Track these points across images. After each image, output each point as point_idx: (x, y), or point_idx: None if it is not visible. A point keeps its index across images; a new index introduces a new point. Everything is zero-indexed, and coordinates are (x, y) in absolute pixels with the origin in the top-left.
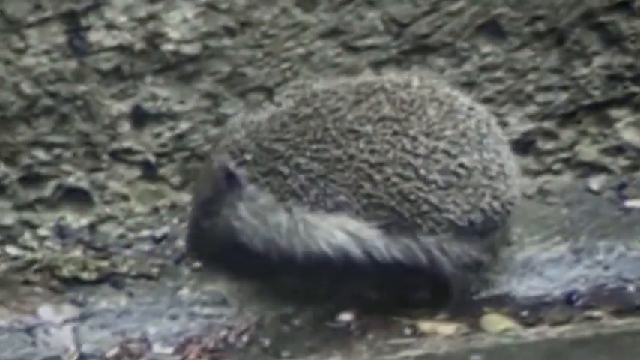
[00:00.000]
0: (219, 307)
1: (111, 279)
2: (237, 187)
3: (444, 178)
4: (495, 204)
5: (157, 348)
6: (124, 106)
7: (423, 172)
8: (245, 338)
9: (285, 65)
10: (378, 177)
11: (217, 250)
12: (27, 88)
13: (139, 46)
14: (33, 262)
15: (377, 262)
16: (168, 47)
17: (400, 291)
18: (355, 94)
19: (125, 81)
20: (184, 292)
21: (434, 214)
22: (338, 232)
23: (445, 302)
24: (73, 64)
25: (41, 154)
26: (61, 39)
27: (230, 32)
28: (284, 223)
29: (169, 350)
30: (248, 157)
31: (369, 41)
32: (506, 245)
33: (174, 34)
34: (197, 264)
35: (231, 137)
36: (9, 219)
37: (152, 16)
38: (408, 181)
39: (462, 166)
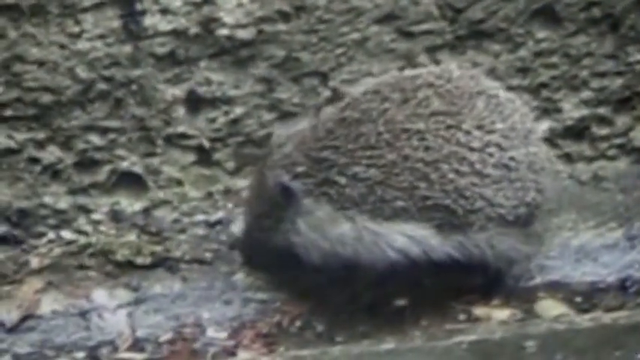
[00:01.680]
0: (273, 292)
1: (165, 264)
2: (294, 202)
3: (497, 172)
4: (539, 198)
5: (210, 332)
6: (178, 91)
7: (478, 166)
8: (299, 323)
9: (340, 50)
10: (433, 175)
11: (273, 263)
12: (82, 72)
13: (194, 30)
14: (87, 246)
15: (433, 260)
16: (223, 32)
17: (454, 277)
18: (400, 91)
19: (180, 66)
20: (238, 276)
21: (487, 209)
22: (398, 236)
23: (498, 289)
24: (127, 48)
25: (96, 139)
26: (116, 23)
27: (285, 17)
28: (348, 233)
29: (223, 335)
30: (300, 169)
31: (424, 26)
32: (548, 232)
33: (229, 19)
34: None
35: (280, 151)
36: (63, 203)
37: (207, 1)
38: (463, 177)
39: (512, 159)
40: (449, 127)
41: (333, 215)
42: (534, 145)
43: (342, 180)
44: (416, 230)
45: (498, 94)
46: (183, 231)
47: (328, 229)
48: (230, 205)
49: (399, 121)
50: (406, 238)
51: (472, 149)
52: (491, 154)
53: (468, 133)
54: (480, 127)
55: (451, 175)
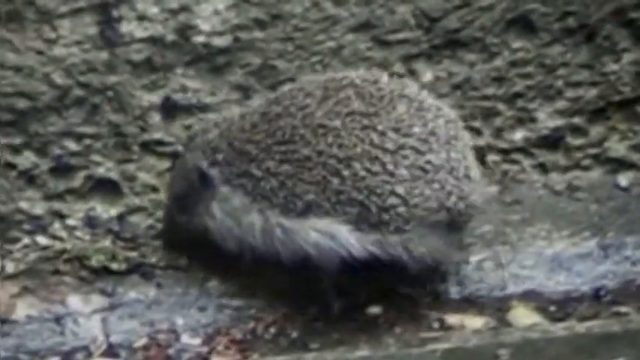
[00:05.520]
0: (248, 298)
1: (140, 269)
2: (211, 187)
3: (411, 172)
4: (461, 205)
5: (185, 339)
6: (154, 98)
7: (390, 167)
8: (273, 330)
9: (315, 58)
10: (346, 172)
11: (192, 246)
12: (58, 78)
13: (170, 37)
14: (62, 252)
15: (354, 257)
16: (199, 39)
17: (429, 284)
18: (323, 89)
19: (156, 72)
20: (213, 283)
21: (400, 208)
22: (312, 232)
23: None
24: (104, 55)
25: (72, 145)
26: (93, 30)
27: (261, 25)
28: (257, 225)
29: (197, 341)
30: (220, 157)
31: (400, 35)
32: (464, 247)
33: (205, 26)
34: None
35: (205, 136)
36: (39, 209)
37: (183, 8)
38: (375, 175)
39: (429, 162)
40: (364, 127)
41: (247, 205)
42: (458, 152)
43: (258, 173)
44: (330, 226)
45: (423, 99)
46: (158, 237)
47: (242, 218)
48: None
49: (317, 117)
50: (319, 233)
51: (385, 150)
52: (405, 157)
53: (382, 134)
54: (396, 130)
55: (362, 173)
